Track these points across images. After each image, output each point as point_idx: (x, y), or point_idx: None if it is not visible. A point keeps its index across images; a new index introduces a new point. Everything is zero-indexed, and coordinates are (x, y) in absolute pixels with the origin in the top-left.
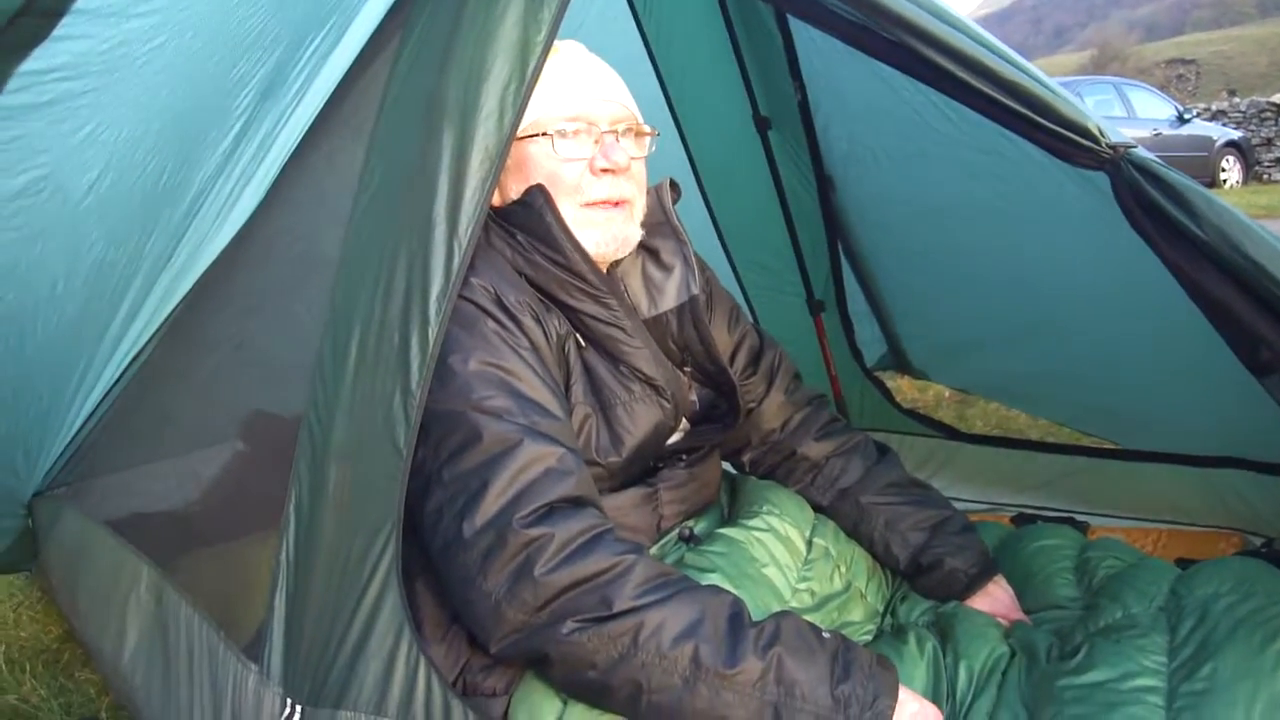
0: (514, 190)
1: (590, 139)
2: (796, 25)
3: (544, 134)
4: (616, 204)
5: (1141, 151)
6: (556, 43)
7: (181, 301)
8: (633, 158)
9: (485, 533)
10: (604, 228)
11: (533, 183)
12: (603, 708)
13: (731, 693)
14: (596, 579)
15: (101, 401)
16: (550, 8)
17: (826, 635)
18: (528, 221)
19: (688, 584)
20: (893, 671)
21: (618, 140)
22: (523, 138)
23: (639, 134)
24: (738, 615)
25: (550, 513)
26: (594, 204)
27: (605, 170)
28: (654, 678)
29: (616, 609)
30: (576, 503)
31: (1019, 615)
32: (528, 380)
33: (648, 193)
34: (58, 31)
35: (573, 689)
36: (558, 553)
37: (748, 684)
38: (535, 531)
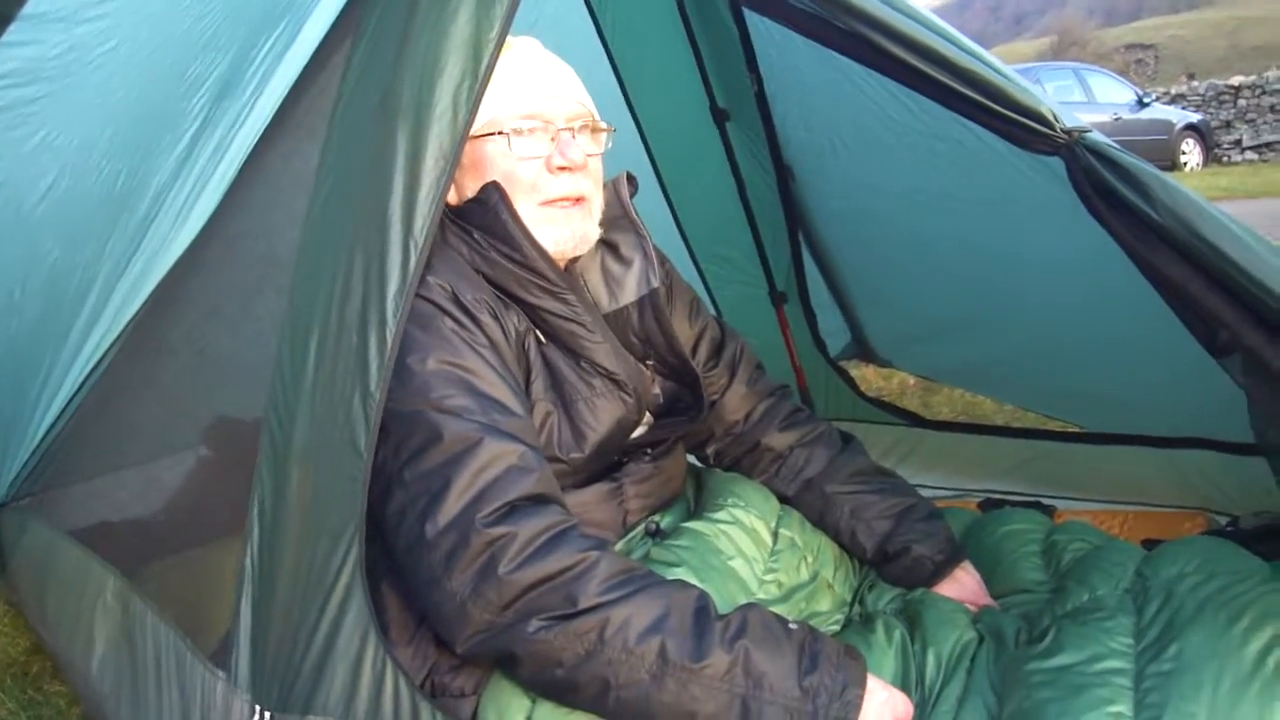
0: (470, 189)
1: (546, 137)
2: (752, 16)
3: (499, 133)
4: (575, 201)
5: (1096, 135)
6: (512, 39)
7: (142, 307)
8: (589, 155)
9: (448, 533)
10: (563, 225)
11: (488, 180)
12: (571, 705)
13: (699, 686)
14: (561, 576)
15: (64, 410)
16: (502, 4)
17: (793, 627)
18: (484, 219)
19: (653, 579)
20: (861, 661)
21: (574, 137)
22: (478, 136)
23: (595, 130)
24: (704, 609)
25: (512, 511)
26: (552, 202)
27: (562, 168)
28: (621, 674)
29: (581, 606)
30: (539, 500)
31: (987, 600)
32: (487, 378)
33: (605, 187)
34: (6, 38)
35: (540, 687)
36: (521, 551)
37: (715, 677)
38: (498, 530)
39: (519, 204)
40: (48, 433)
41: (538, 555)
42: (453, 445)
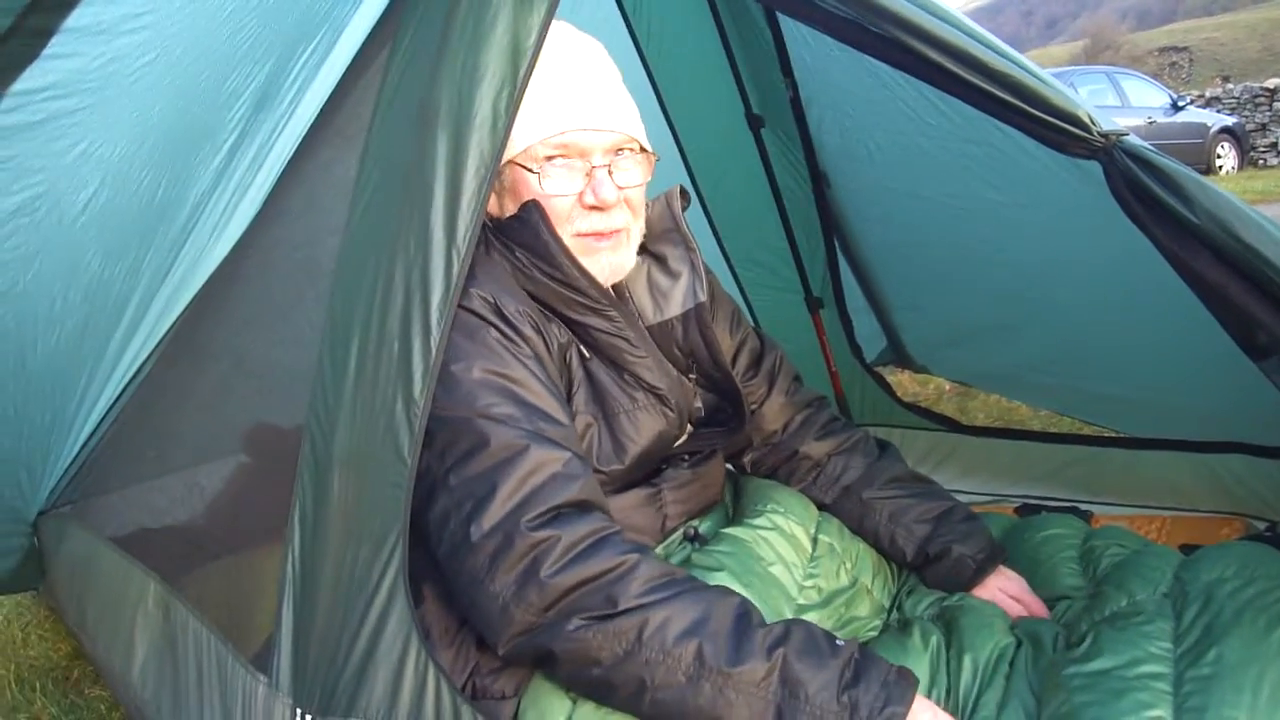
0: (511, 207)
1: (580, 172)
2: (787, 22)
3: (529, 169)
4: (608, 235)
5: (1133, 139)
6: (568, 41)
7: (181, 315)
8: (628, 187)
9: (493, 535)
10: (593, 259)
11: (527, 199)
12: (608, 705)
13: (734, 691)
14: (602, 578)
15: (104, 418)
16: (539, 11)
17: (840, 643)
18: (524, 238)
19: (694, 584)
20: (911, 682)
21: (610, 173)
22: (516, 161)
23: (645, 153)
24: (744, 615)
25: (557, 516)
26: (582, 235)
27: (593, 207)
28: (658, 675)
29: (621, 606)
30: (583, 506)
31: (1032, 597)
32: (531, 388)
33: (656, 200)
34: (48, 51)
35: (578, 686)
36: (564, 554)
37: (751, 683)
38: (542, 534)
39: (556, 230)
40: (87, 441)
41: (580, 559)
42: (499, 451)
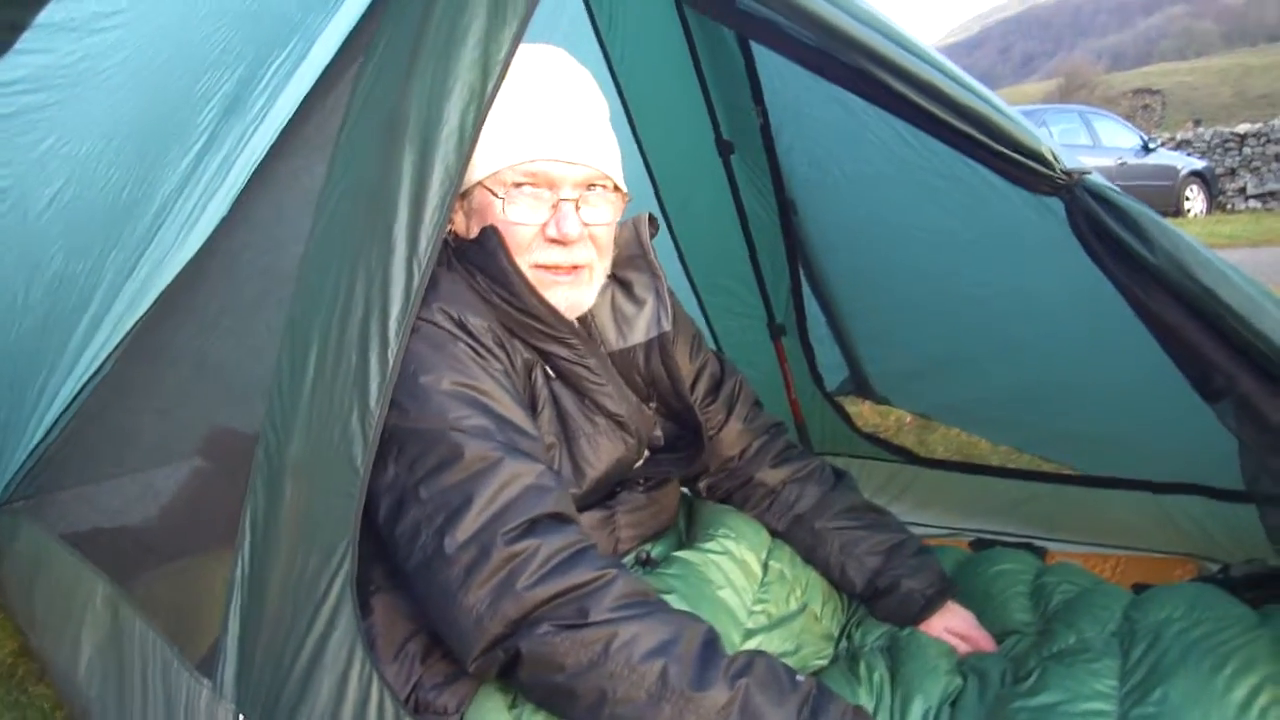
0: (476, 228)
1: (547, 203)
2: (759, 49)
3: (496, 195)
4: (568, 270)
5: (1096, 177)
6: (548, 66)
7: (143, 317)
8: (594, 225)
9: (468, 547)
10: (550, 291)
11: (488, 224)
12: (564, 716)
13: (694, 716)
14: (576, 591)
15: (62, 415)
16: (511, 27)
17: (800, 679)
18: (483, 262)
19: (666, 605)
20: None
21: (577, 208)
22: (485, 185)
23: (616, 191)
24: (712, 643)
25: (533, 528)
26: (541, 267)
27: (554, 240)
28: (620, 689)
29: (592, 619)
30: (558, 518)
31: (980, 633)
32: (501, 400)
33: (624, 225)
34: (19, 45)
35: (537, 692)
36: (541, 567)
37: (712, 710)
38: (519, 546)
39: (516, 258)
40: (45, 437)
41: (556, 572)
42: (473, 463)
